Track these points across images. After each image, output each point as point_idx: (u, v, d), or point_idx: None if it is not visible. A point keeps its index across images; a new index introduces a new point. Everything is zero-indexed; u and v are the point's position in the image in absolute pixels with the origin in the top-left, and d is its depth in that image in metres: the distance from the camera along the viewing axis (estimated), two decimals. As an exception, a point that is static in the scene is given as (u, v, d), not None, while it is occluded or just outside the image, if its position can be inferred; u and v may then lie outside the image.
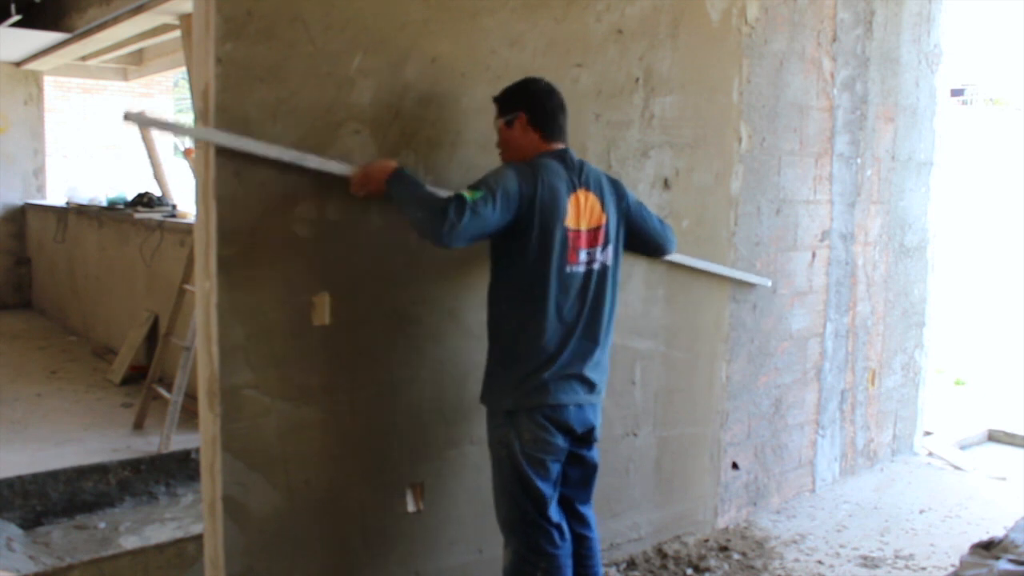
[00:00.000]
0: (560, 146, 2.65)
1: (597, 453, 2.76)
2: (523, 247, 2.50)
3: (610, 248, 2.66)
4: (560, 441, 2.60)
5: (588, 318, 2.61)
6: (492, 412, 2.65)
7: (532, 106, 2.63)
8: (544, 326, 2.54)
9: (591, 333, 2.63)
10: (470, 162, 2.85)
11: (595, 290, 2.62)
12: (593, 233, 2.61)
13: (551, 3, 3.01)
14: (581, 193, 2.59)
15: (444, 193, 2.55)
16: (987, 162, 15.09)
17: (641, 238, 2.88)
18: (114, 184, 8.96)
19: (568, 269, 2.55)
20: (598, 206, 2.63)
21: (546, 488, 2.59)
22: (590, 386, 2.64)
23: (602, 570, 2.83)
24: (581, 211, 2.57)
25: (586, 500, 2.79)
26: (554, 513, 2.62)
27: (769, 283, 3.95)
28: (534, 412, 2.56)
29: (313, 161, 2.52)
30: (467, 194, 2.40)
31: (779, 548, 3.71)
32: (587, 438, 2.69)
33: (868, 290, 4.53)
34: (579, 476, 2.74)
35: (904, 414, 4.90)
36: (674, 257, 3.31)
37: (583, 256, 2.58)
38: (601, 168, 3.18)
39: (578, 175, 2.61)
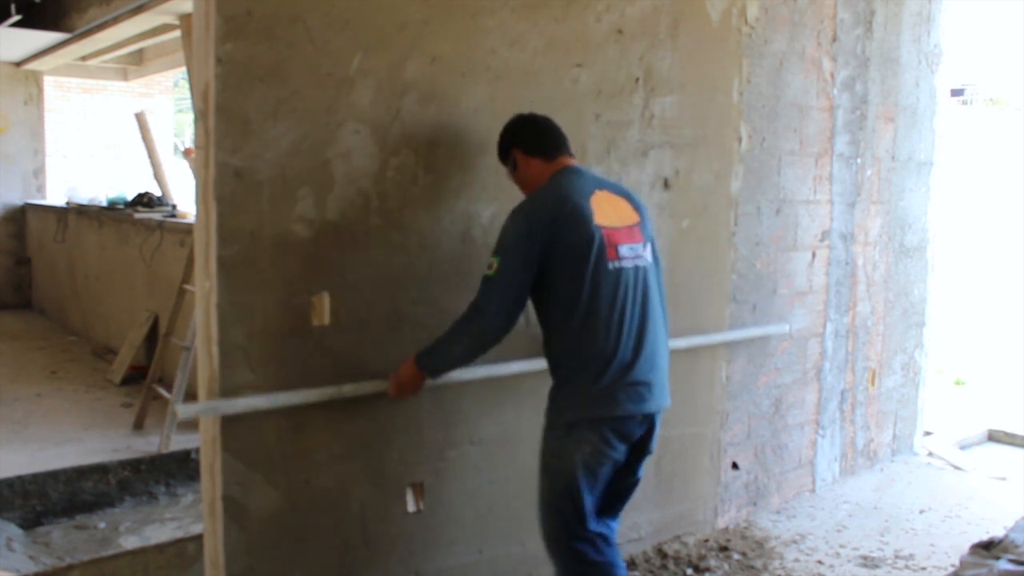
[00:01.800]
0: (569, 163, 2.64)
1: (643, 468, 2.68)
2: (558, 259, 2.46)
3: (649, 248, 2.61)
4: (619, 454, 2.53)
5: (641, 316, 2.53)
6: (552, 425, 2.56)
7: (521, 137, 2.65)
8: (597, 327, 2.46)
9: (646, 331, 2.54)
10: (470, 162, 2.85)
11: (643, 286, 2.55)
12: (629, 230, 2.56)
13: (551, 3, 3.01)
14: (601, 194, 2.55)
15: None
16: (987, 162, 15.09)
17: None
18: (114, 184, 8.95)
19: (610, 266, 2.48)
20: (626, 206, 2.60)
21: (592, 500, 2.53)
22: (655, 390, 2.55)
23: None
24: (607, 210, 2.53)
25: (615, 515, 2.69)
26: (595, 524, 2.55)
27: (787, 328, 3.97)
28: (599, 424, 2.48)
29: (348, 388, 2.61)
30: (489, 270, 2.44)
31: (779, 548, 3.71)
32: (643, 448, 2.60)
33: (868, 290, 4.53)
34: (619, 489, 2.64)
35: (904, 414, 4.90)
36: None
37: (624, 251, 2.51)
38: (601, 168, 3.20)
39: (595, 182, 2.60)
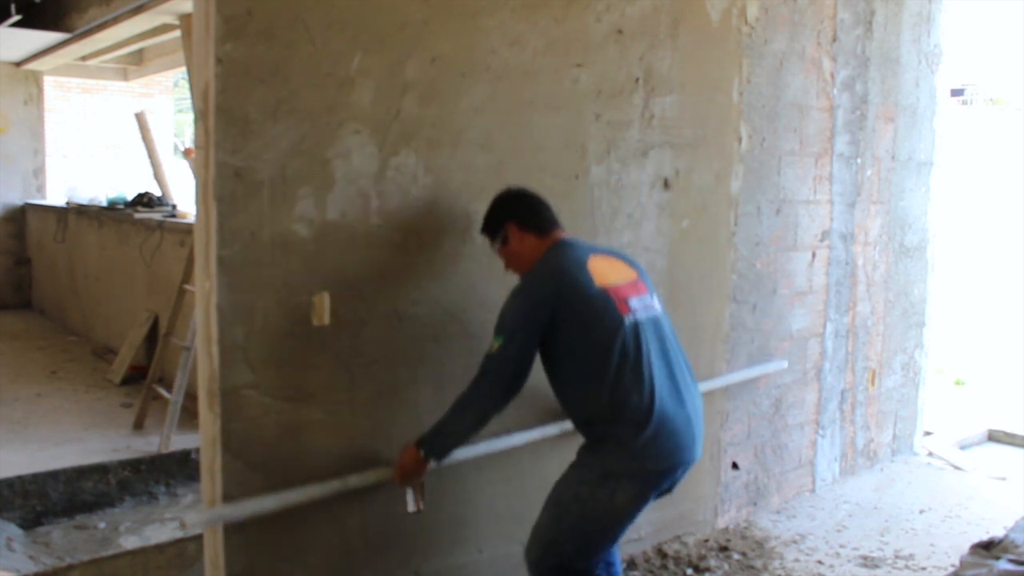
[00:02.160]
0: (561, 236, 2.68)
1: None
2: (570, 329, 2.48)
3: (656, 298, 2.65)
4: (648, 505, 2.55)
5: (668, 363, 2.56)
6: (585, 466, 2.55)
7: (514, 212, 2.66)
8: (629, 382, 2.46)
9: (676, 379, 2.56)
10: (470, 162, 2.85)
11: (661, 334, 2.58)
12: (632, 284, 2.60)
13: (551, 3, 3.01)
14: (596, 258, 2.60)
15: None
16: (987, 162, 15.09)
17: None
18: (114, 184, 8.95)
19: (627, 320, 2.50)
20: (622, 265, 2.65)
21: (606, 548, 2.56)
22: (697, 439, 2.55)
23: None
24: (605, 270, 2.57)
25: (616, 542, 2.69)
26: (603, 570, 2.58)
27: (785, 364, 3.97)
28: (639, 476, 2.48)
29: (355, 479, 2.63)
30: (491, 350, 2.48)
31: (779, 548, 3.71)
32: (667, 490, 2.61)
33: (868, 290, 4.53)
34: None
35: (904, 414, 4.89)
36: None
37: (635, 304, 2.54)
38: (601, 168, 3.21)
39: (588, 249, 2.65)
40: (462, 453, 2.74)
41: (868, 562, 3.60)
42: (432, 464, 2.58)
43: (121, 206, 7.24)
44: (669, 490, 2.60)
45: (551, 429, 3.03)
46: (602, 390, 2.47)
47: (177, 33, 6.28)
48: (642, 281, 2.65)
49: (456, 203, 2.84)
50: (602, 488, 2.47)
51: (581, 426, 2.61)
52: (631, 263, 2.71)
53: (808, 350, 4.22)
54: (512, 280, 2.68)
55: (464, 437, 2.59)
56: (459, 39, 2.80)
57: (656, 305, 2.64)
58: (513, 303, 2.54)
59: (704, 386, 3.56)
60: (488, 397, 2.50)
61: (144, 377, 5.32)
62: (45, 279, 8.93)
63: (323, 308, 2.59)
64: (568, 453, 2.66)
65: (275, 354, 2.54)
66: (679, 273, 3.54)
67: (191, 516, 2.50)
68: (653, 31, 3.34)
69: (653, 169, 3.41)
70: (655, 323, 2.58)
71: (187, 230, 5.50)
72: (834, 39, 4.11)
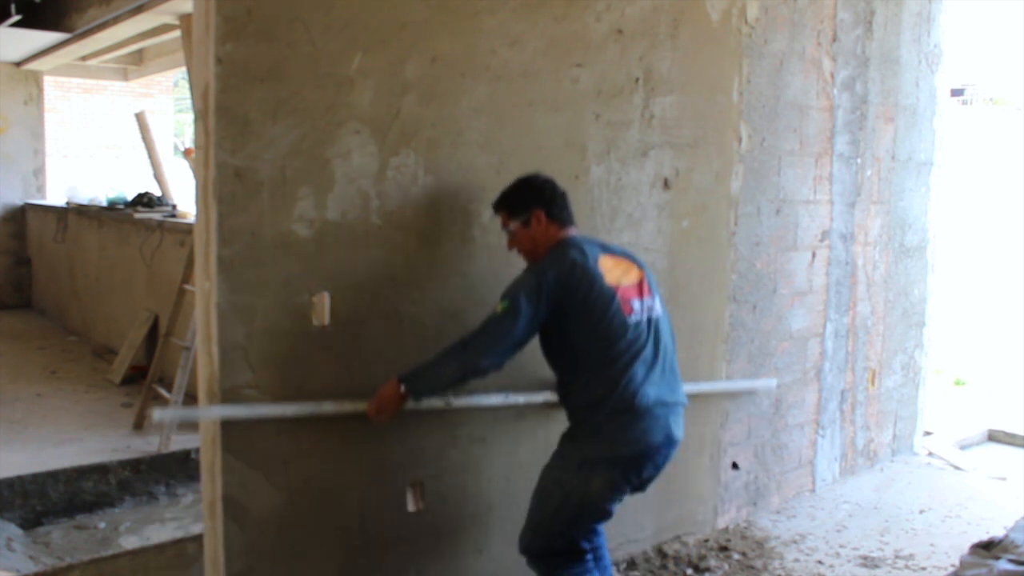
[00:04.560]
0: (574, 232, 2.75)
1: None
2: (577, 320, 2.57)
3: (657, 299, 2.74)
4: (628, 490, 2.65)
5: (659, 363, 2.66)
6: (563, 453, 2.68)
7: (546, 201, 2.72)
8: (619, 375, 2.56)
9: (664, 378, 2.66)
10: (470, 162, 2.85)
11: (657, 335, 2.67)
12: (637, 286, 2.69)
13: (551, 3, 3.01)
14: (606, 257, 2.68)
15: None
16: (987, 162, 15.10)
17: None
18: (114, 184, 8.95)
19: (630, 320, 2.60)
20: (629, 265, 2.73)
21: (590, 528, 2.66)
22: (669, 428, 2.64)
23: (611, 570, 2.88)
24: (614, 271, 2.65)
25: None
26: (587, 543, 2.67)
27: (775, 383, 3.97)
28: (612, 462, 2.58)
29: (329, 406, 2.60)
30: (495, 309, 2.53)
31: (779, 548, 3.71)
32: (646, 485, 2.70)
33: (868, 290, 4.53)
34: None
35: (904, 414, 4.89)
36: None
37: (637, 306, 2.64)
38: (601, 168, 3.21)
39: (600, 247, 2.72)
40: (462, 457, 2.74)
41: (868, 562, 3.60)
42: (409, 403, 2.59)
43: (121, 206, 7.24)
44: (643, 486, 2.69)
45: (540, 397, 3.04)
46: (594, 381, 2.59)
47: (177, 33, 6.28)
48: (646, 282, 2.74)
49: (456, 203, 2.84)
50: (578, 474, 2.59)
51: (568, 409, 2.72)
52: (638, 263, 2.79)
53: (808, 350, 4.22)
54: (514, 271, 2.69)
55: (442, 385, 2.64)
56: (459, 39, 2.80)
57: (657, 307, 2.73)
58: (527, 277, 2.61)
59: (697, 387, 3.58)
60: (476, 355, 2.54)
61: (144, 377, 5.32)
62: (45, 279, 8.92)
63: (323, 308, 2.60)
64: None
65: (275, 354, 2.54)
66: (679, 273, 3.54)
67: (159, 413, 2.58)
68: (653, 31, 3.34)
69: (653, 169, 3.41)
70: (655, 324, 2.68)
71: (187, 230, 5.50)
72: (834, 39, 4.11)
